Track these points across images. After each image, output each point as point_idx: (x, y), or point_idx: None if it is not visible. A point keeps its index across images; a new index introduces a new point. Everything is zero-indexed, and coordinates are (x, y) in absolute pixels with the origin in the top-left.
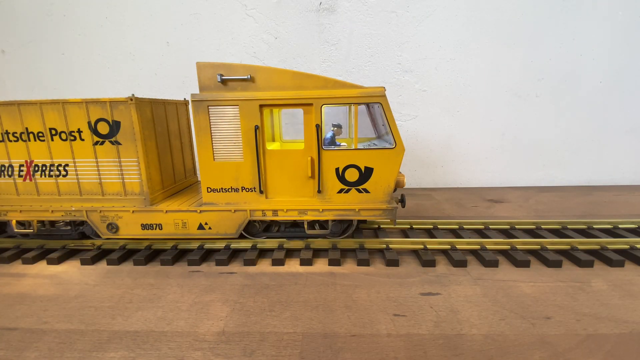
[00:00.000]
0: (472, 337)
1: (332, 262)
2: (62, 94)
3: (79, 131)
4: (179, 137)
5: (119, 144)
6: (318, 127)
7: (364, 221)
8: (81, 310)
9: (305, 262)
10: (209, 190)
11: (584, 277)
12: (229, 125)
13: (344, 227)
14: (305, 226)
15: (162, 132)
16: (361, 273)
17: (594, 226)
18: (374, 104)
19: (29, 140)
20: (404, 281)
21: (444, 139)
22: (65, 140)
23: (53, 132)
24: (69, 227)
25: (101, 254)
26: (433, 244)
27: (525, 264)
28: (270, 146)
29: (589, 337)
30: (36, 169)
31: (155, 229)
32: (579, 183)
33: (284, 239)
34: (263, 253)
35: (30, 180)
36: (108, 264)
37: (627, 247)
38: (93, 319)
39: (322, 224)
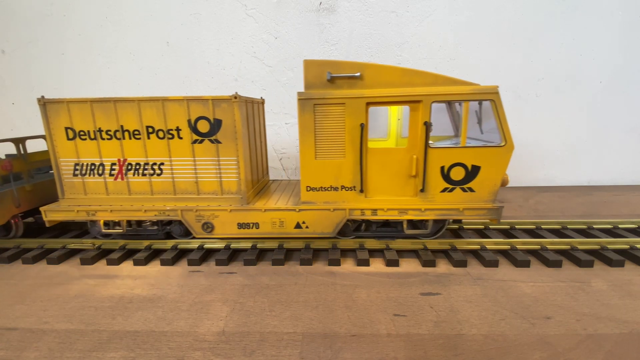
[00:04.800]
0: (472, 337)
1: (332, 262)
2: (62, 94)
3: (178, 129)
4: (259, 136)
5: (219, 142)
6: (427, 125)
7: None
8: (81, 310)
9: (305, 262)
10: (309, 189)
11: (584, 277)
12: (334, 123)
13: (439, 226)
14: (405, 225)
15: (252, 131)
16: (361, 273)
17: (594, 226)
18: (485, 101)
19: (123, 139)
20: (404, 281)
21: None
22: (163, 138)
23: (150, 130)
24: (155, 227)
25: (101, 254)
26: (433, 244)
27: (525, 264)
28: (372, 144)
29: (589, 337)
30: (129, 167)
31: (252, 228)
32: (579, 183)
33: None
34: (263, 253)
35: (122, 179)
36: (108, 264)
37: (627, 247)
38: (93, 318)
39: (415, 223)
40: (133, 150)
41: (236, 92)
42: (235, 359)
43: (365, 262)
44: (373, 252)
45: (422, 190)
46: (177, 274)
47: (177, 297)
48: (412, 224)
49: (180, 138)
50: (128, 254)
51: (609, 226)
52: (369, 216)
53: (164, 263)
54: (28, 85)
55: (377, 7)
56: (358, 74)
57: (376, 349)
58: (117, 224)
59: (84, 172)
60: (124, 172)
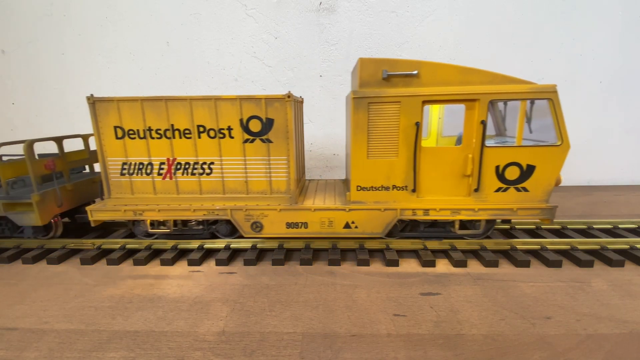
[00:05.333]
0: (472, 337)
1: (332, 262)
2: (62, 94)
3: (229, 129)
4: (301, 135)
5: (270, 141)
6: (484, 123)
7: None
8: (81, 310)
9: (305, 262)
10: (359, 188)
11: (584, 277)
12: (388, 122)
13: (489, 227)
14: (457, 226)
15: (298, 131)
16: (361, 273)
17: (594, 226)
18: (543, 100)
19: (173, 138)
20: (404, 281)
21: None
22: (214, 137)
23: (201, 129)
24: (200, 227)
25: (101, 254)
26: (433, 244)
27: (525, 264)
28: (425, 143)
29: (589, 337)
30: (178, 167)
31: (301, 227)
32: (579, 183)
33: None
34: (263, 253)
35: (171, 178)
36: (108, 264)
37: (627, 247)
38: (93, 318)
39: (465, 223)
40: (183, 149)
41: (289, 91)
42: (235, 359)
43: (365, 262)
44: (373, 252)
45: (476, 190)
46: (176, 274)
47: (177, 297)
48: (461, 224)
49: (232, 137)
50: (128, 254)
51: (609, 226)
52: (420, 216)
53: (164, 263)
54: (28, 85)
55: (377, 7)
56: (415, 72)
57: (376, 349)
58: (161, 223)
59: (131, 171)
60: (172, 171)
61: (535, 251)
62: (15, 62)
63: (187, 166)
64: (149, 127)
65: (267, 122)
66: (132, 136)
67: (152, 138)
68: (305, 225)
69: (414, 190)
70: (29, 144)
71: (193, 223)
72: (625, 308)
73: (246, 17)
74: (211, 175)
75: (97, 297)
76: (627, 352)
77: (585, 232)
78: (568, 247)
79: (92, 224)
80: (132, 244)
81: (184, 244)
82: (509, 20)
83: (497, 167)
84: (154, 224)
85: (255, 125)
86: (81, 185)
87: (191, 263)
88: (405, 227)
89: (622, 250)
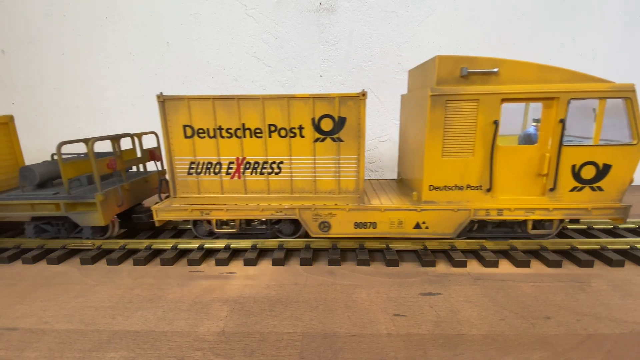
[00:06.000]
0: (472, 337)
1: (332, 262)
2: (62, 94)
3: (300, 127)
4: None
5: (341, 140)
6: (563, 122)
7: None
8: (81, 310)
9: (305, 262)
10: (431, 188)
11: (584, 277)
12: (465, 120)
13: (560, 226)
14: (530, 226)
15: None
16: (361, 273)
17: (594, 226)
18: (621, 99)
19: (244, 137)
20: (404, 281)
21: None
22: (285, 137)
23: (272, 128)
24: (264, 227)
25: (101, 254)
26: (433, 244)
27: (525, 264)
28: (501, 142)
29: (589, 337)
30: (247, 166)
31: (369, 227)
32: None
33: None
34: (263, 253)
35: (239, 178)
36: (108, 264)
37: (627, 247)
38: (93, 318)
39: (534, 223)
40: (253, 148)
41: (363, 89)
42: (235, 359)
43: (365, 262)
44: (373, 252)
45: (552, 189)
46: (177, 274)
47: (177, 297)
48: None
49: (302, 137)
50: (128, 254)
51: (609, 226)
52: (494, 216)
53: (164, 263)
54: (28, 85)
55: (377, 7)
56: (496, 69)
57: (376, 349)
58: (224, 222)
59: (199, 170)
60: (241, 170)
61: (535, 251)
62: (15, 62)
63: (256, 165)
64: (220, 126)
65: (339, 121)
66: (201, 135)
67: (222, 137)
68: (374, 225)
69: (489, 190)
70: (93, 143)
71: (256, 223)
72: (625, 308)
73: (246, 17)
74: (280, 174)
75: (97, 297)
76: (627, 352)
77: (585, 232)
78: (568, 247)
79: (157, 224)
80: (132, 244)
81: (184, 244)
82: (509, 20)
83: (574, 166)
84: (216, 223)
85: (326, 124)
86: (136, 184)
87: (191, 263)
88: (472, 228)
89: (622, 250)
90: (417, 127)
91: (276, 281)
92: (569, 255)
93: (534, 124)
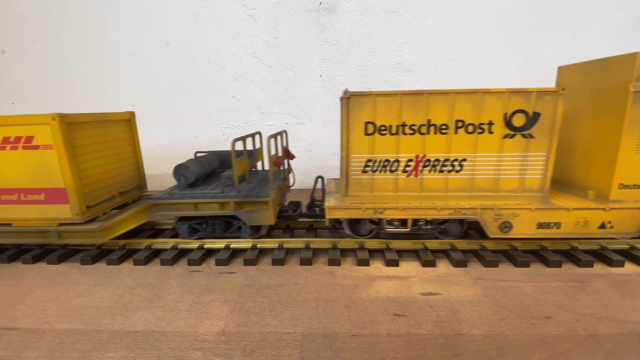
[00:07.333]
0: (472, 337)
1: (332, 262)
2: (62, 94)
3: (490, 123)
4: None
5: (532, 137)
6: None
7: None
8: (81, 310)
9: (305, 262)
10: (621, 186)
11: (584, 277)
12: None
13: None
14: None
15: None
16: (361, 273)
17: None
18: None
19: (428, 133)
20: (404, 281)
21: None
22: (471, 133)
23: (459, 124)
24: (429, 227)
25: (101, 254)
26: (433, 244)
27: (525, 264)
28: None
29: (589, 337)
30: (426, 164)
31: (552, 228)
32: None
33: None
34: (263, 253)
35: (416, 176)
36: (108, 264)
37: (627, 247)
38: (93, 319)
39: None
40: (435, 145)
41: (561, 85)
42: (235, 359)
43: (365, 262)
44: (373, 252)
45: None
46: (177, 274)
47: (177, 297)
48: None
49: (491, 133)
50: (128, 254)
51: None
52: None
53: (163, 263)
54: (28, 85)
55: (377, 7)
56: None
57: (376, 349)
58: (389, 222)
59: (375, 168)
60: (419, 168)
61: (535, 251)
62: (15, 62)
63: (436, 163)
64: (404, 122)
65: (532, 117)
66: (382, 132)
67: (405, 134)
68: (557, 225)
69: None
70: (269, 138)
71: (422, 222)
72: (625, 308)
73: (246, 17)
74: (460, 172)
75: (97, 297)
76: (627, 352)
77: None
78: (568, 247)
79: (327, 223)
80: (132, 244)
81: (184, 244)
82: (509, 20)
83: None
84: (379, 222)
85: (519, 120)
86: (282, 183)
87: (191, 263)
88: None
89: (622, 250)
90: (600, 124)
91: (276, 281)
92: (569, 255)
93: None
